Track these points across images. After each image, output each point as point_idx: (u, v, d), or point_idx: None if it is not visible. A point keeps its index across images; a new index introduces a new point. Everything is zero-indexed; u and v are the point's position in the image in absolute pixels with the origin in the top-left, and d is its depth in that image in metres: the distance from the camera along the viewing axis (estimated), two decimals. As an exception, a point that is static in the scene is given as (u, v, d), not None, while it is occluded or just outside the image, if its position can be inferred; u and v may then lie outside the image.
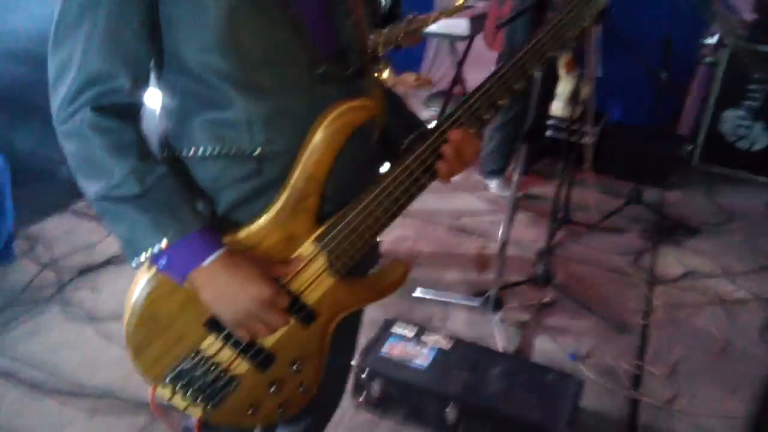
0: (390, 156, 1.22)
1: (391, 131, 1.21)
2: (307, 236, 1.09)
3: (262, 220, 1.06)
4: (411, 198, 1.12)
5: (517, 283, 2.94)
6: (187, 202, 1.01)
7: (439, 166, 1.11)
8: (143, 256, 0.98)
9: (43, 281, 2.88)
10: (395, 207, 1.11)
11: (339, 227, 1.09)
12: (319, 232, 1.09)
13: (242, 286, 1.01)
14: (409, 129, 1.21)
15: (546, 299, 2.91)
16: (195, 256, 0.99)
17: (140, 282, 1.04)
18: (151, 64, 1.02)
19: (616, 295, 3.06)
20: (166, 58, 1.01)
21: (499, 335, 2.63)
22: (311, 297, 1.11)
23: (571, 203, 3.56)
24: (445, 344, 2.26)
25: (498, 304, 2.75)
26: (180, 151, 1.07)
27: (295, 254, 1.09)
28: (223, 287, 1.00)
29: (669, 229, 3.63)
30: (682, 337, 2.79)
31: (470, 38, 4.24)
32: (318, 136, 1.04)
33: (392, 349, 2.21)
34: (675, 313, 2.95)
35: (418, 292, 2.88)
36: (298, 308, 1.10)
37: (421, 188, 1.12)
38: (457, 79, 4.55)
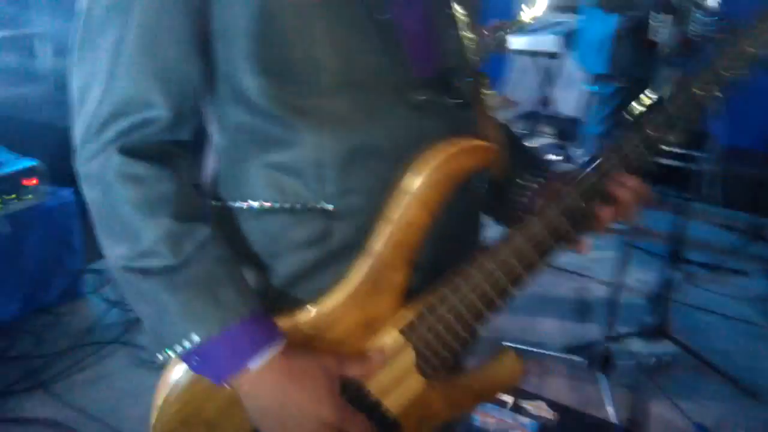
0: (503, 211, 0.93)
1: (508, 179, 0.92)
2: (392, 322, 0.81)
3: (334, 299, 0.79)
4: (533, 269, 0.82)
5: (627, 335, 2.55)
6: (233, 279, 0.76)
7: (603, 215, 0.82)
8: (171, 353, 0.73)
9: (110, 321, 2.74)
10: (513, 284, 0.82)
11: (436, 312, 0.81)
12: (409, 318, 0.81)
13: (299, 404, 0.75)
14: (528, 173, 0.92)
15: (663, 356, 2.51)
16: (238, 356, 0.73)
17: (170, 378, 0.79)
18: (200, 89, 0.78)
19: (744, 350, 2.62)
20: (218, 82, 0.78)
21: (609, 400, 2.25)
22: (394, 404, 0.83)
23: (684, 239, 3.13)
24: (549, 414, 1.92)
25: (607, 362, 2.37)
26: (231, 204, 0.83)
27: (376, 346, 0.81)
28: (272, 400, 0.74)
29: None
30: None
31: (560, 56, 3.91)
32: (413, 188, 0.77)
33: (486, 418, 1.89)
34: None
35: (509, 343, 2.54)
36: (376, 421, 0.82)
37: (549, 255, 0.82)
38: (546, 101, 4.22)
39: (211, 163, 0.86)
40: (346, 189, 0.78)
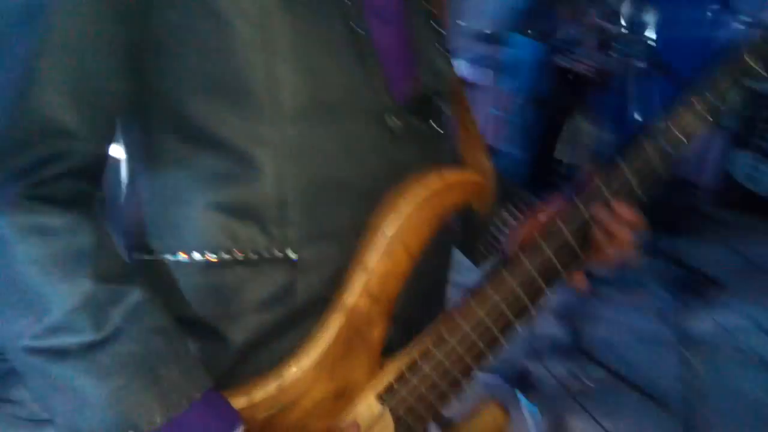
0: (476, 249, 0.83)
1: (485, 213, 0.82)
2: (368, 387, 0.69)
3: (299, 367, 0.66)
4: (524, 316, 0.73)
5: (542, 353, 2.56)
6: (176, 353, 0.61)
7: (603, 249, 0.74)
8: None
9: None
10: (503, 333, 0.72)
11: (419, 372, 0.70)
12: (387, 381, 0.69)
13: None
14: (506, 206, 0.83)
15: (579, 372, 2.53)
16: None
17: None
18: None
19: (649, 360, 2.70)
20: (150, 105, 0.63)
21: (528, 419, 2.23)
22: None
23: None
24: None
25: (524, 380, 2.36)
26: (167, 257, 0.66)
27: (349, 418, 0.68)
28: None
29: (692, 283, 3.30)
30: (731, 405, 2.45)
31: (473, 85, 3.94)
32: (393, 230, 0.65)
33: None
34: (718, 379, 2.60)
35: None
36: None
37: (541, 298, 0.73)
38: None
39: (134, 207, 0.69)
40: (314, 233, 0.65)
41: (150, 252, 0.67)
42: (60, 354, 0.56)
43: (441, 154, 0.72)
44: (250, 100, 0.61)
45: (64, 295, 0.56)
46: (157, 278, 0.65)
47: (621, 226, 0.73)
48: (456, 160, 0.74)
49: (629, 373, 2.53)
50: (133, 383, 0.57)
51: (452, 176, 0.68)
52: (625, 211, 0.73)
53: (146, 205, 0.68)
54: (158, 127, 0.64)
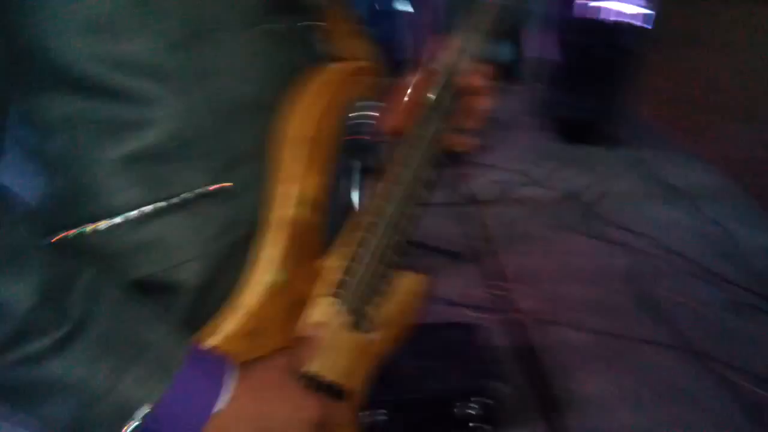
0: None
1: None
2: (321, 289, 0.71)
3: (257, 288, 0.64)
4: (433, 186, 0.79)
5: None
6: (149, 314, 0.58)
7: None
8: None
9: None
10: (418, 206, 0.77)
11: (363, 260, 0.73)
12: (336, 277, 0.72)
13: (279, 420, 0.62)
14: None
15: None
16: (200, 405, 0.56)
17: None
18: None
19: (440, 225, 2.99)
20: (26, 64, 0.55)
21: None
22: (338, 372, 0.73)
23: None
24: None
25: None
26: (90, 228, 0.59)
27: (311, 320, 0.70)
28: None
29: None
30: (526, 248, 2.88)
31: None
32: (309, 133, 0.66)
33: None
34: (509, 226, 3.02)
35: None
36: (327, 390, 0.72)
37: (441, 165, 0.79)
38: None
39: (37, 187, 0.60)
40: (234, 157, 0.63)
41: (70, 227, 0.59)
42: (35, 360, 0.50)
43: (323, 48, 0.72)
44: (126, 32, 0.55)
45: (17, 297, 0.49)
46: (88, 252, 0.58)
47: (483, 83, 0.79)
48: (337, 52, 0.74)
49: (428, 239, 2.78)
50: (124, 360, 0.53)
51: (347, 67, 0.69)
52: (482, 67, 0.79)
53: (51, 181, 0.59)
54: (39, 87, 0.56)
